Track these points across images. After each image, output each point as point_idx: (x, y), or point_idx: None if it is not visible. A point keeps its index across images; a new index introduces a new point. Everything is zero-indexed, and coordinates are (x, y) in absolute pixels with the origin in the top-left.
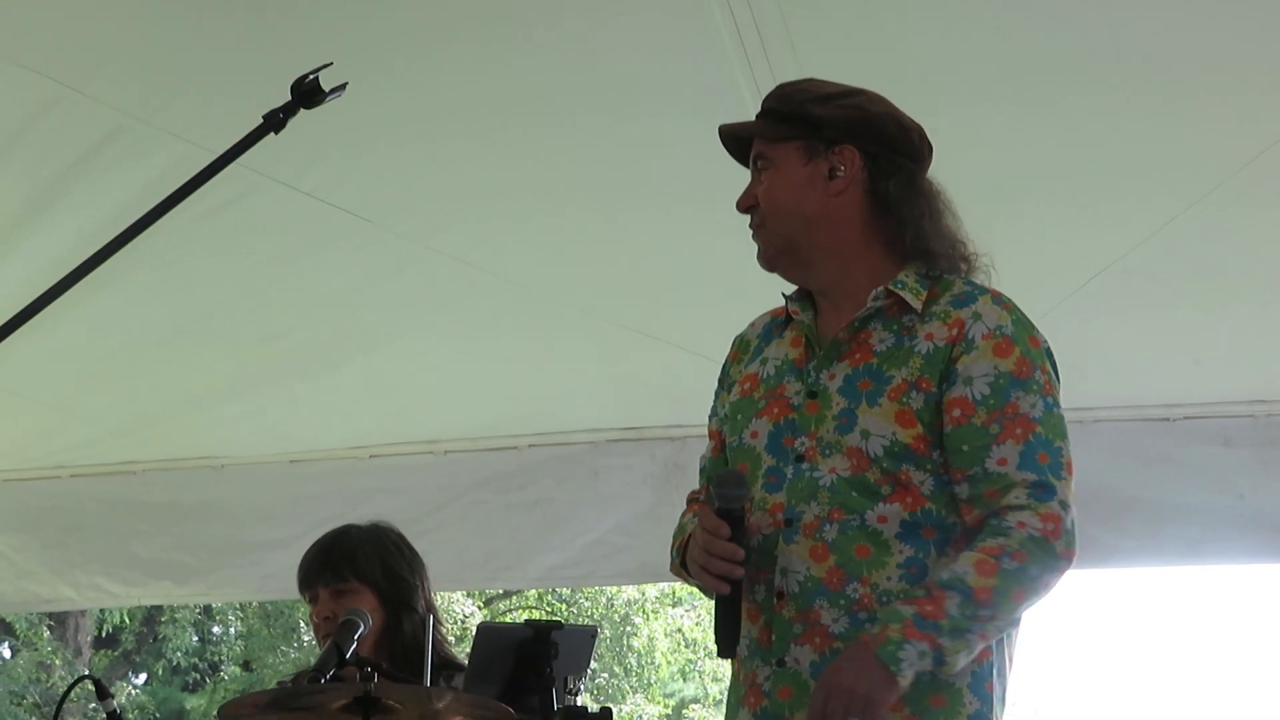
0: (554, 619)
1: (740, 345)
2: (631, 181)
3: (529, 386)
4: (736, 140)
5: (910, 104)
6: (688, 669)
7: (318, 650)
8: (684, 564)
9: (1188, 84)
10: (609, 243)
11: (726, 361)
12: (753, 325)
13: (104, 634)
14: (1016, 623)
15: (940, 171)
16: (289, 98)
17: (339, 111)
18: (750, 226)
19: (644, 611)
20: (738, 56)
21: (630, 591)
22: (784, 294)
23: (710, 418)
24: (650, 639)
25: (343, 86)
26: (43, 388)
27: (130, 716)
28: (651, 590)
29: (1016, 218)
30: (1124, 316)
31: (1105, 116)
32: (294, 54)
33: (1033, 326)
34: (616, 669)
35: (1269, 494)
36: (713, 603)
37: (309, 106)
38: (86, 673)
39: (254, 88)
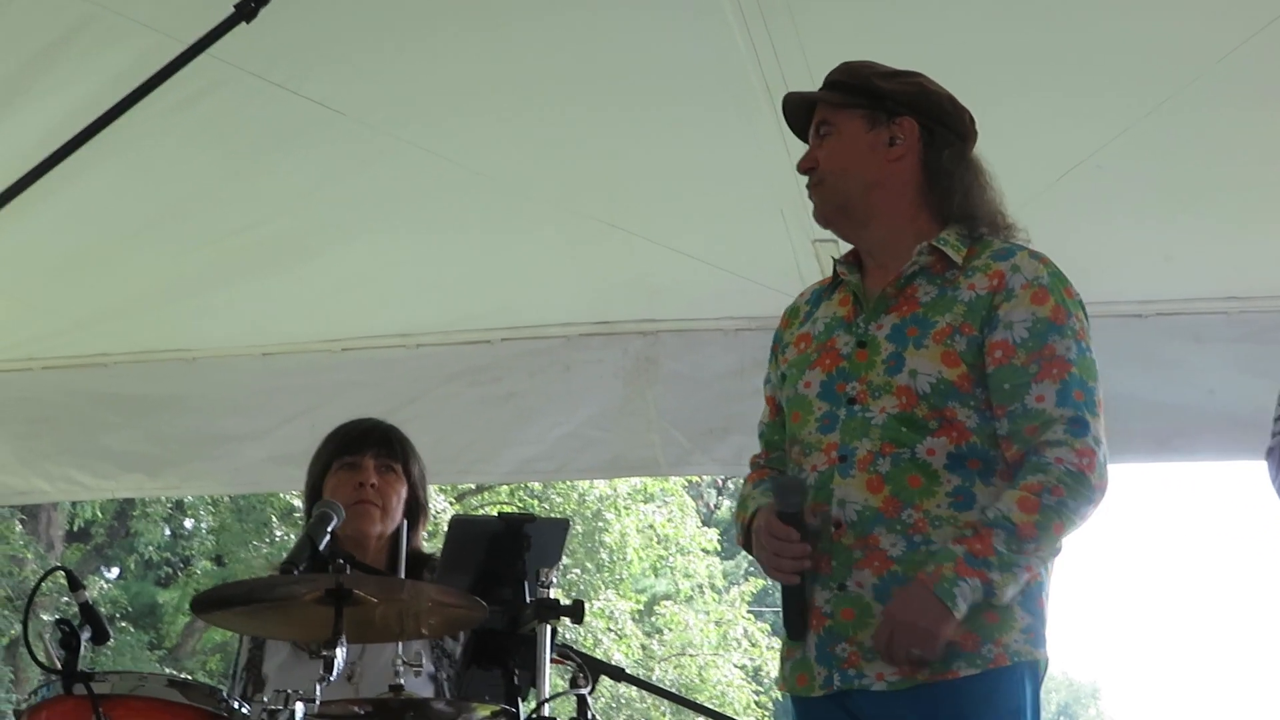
0: (526, 511)
1: (790, 314)
2: (606, 75)
3: (501, 280)
4: (795, 111)
5: None
6: (659, 565)
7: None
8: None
9: None
10: (582, 136)
11: (778, 331)
12: (801, 295)
13: (75, 528)
14: (1057, 551)
15: (912, 63)
16: None
17: (311, 3)
18: (808, 186)
19: (615, 508)
20: None
21: (602, 487)
22: (834, 258)
23: (765, 384)
24: (622, 535)
25: None
26: (13, 280)
27: (103, 610)
28: (623, 486)
29: (989, 112)
30: (1097, 212)
31: (1079, 9)
32: None
33: (1067, 280)
34: (589, 564)
35: (1239, 390)
36: (780, 590)
37: None
38: (58, 564)
39: None
